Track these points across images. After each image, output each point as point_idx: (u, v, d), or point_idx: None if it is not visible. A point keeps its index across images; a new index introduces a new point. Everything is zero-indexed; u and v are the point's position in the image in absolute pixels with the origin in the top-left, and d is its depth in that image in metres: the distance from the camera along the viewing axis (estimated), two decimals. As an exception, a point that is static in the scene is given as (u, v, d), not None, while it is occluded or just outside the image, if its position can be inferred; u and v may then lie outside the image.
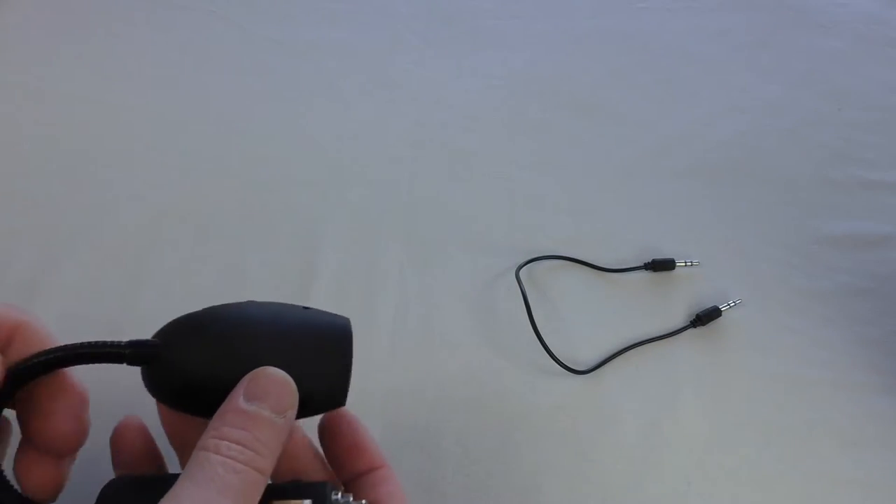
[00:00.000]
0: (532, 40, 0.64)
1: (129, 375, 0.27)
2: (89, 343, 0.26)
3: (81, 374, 0.27)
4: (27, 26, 0.61)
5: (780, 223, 0.52)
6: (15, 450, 0.27)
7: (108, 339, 0.26)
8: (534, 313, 0.44)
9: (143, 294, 0.45)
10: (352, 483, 0.30)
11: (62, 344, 0.26)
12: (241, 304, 0.27)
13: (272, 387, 0.25)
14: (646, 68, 0.62)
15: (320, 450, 0.31)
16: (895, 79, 0.63)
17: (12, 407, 0.26)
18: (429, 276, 0.47)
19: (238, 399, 0.24)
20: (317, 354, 0.26)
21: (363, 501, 0.27)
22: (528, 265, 0.48)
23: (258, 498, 0.23)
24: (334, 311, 0.29)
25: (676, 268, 0.48)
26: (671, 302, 0.47)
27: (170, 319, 0.27)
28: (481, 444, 0.41)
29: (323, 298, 0.45)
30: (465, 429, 0.41)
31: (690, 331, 0.46)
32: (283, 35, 0.62)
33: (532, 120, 0.58)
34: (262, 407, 0.24)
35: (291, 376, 0.25)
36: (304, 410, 0.26)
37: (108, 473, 0.28)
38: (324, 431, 0.31)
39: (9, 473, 0.26)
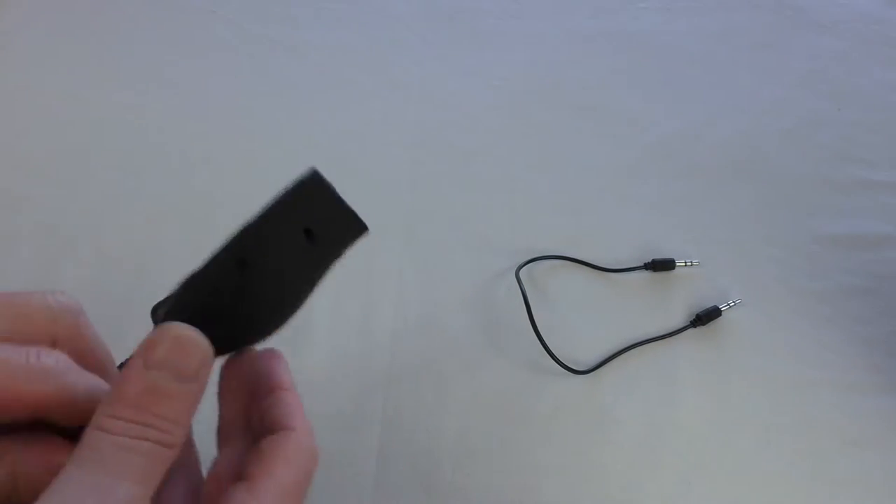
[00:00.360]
0: (532, 40, 0.64)
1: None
2: None
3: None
4: (27, 26, 0.61)
5: (780, 223, 0.52)
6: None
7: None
8: (534, 313, 0.44)
9: (144, 294, 0.44)
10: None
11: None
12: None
13: (174, 350, 0.22)
14: (646, 68, 0.62)
15: None
16: (895, 79, 0.63)
17: None
18: (429, 276, 0.47)
19: (137, 366, 0.21)
20: (308, 213, 0.25)
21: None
22: (529, 265, 0.48)
23: (162, 472, 0.21)
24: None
25: (676, 268, 0.48)
26: (671, 302, 0.47)
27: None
28: (481, 444, 0.41)
29: (323, 299, 0.45)
30: (465, 429, 0.41)
31: (690, 331, 0.46)
32: (283, 35, 0.62)
33: (532, 120, 0.58)
34: (161, 375, 0.21)
35: (307, 241, 0.24)
36: (341, 251, 0.26)
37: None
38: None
39: None
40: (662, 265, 0.48)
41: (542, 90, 0.60)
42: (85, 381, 0.23)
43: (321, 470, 0.41)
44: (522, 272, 0.47)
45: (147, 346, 0.22)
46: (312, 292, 0.25)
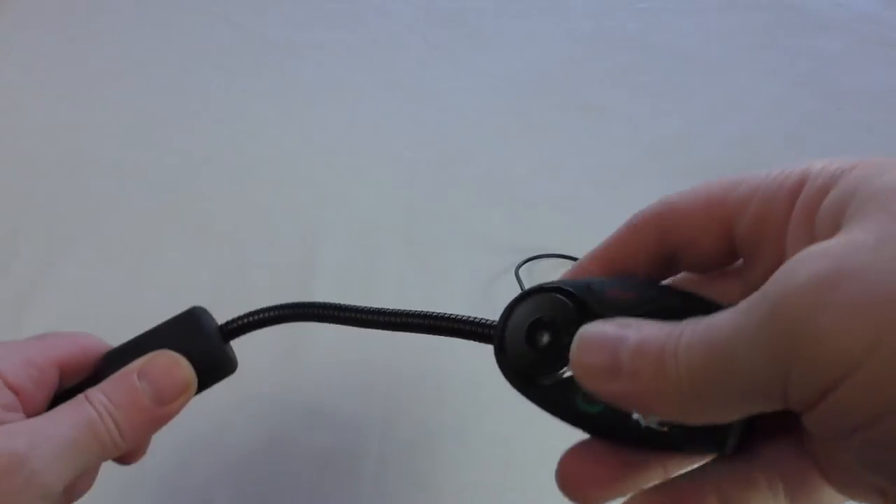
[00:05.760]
0: (532, 40, 0.64)
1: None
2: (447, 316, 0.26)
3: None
4: (28, 26, 0.61)
5: (780, 223, 0.52)
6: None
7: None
8: (534, 313, 0.44)
9: (143, 294, 0.45)
10: None
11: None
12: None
13: (163, 374, 0.25)
14: (646, 68, 0.62)
15: None
16: (895, 79, 0.63)
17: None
18: (429, 275, 0.47)
19: (133, 369, 0.24)
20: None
21: None
22: (529, 264, 0.48)
23: (97, 465, 0.24)
24: None
25: (676, 268, 0.48)
26: (671, 302, 0.47)
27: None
28: (481, 444, 0.41)
29: (322, 298, 0.45)
30: (465, 429, 0.41)
31: (690, 331, 0.46)
32: (283, 35, 0.62)
33: (532, 120, 0.58)
34: (144, 388, 0.24)
35: None
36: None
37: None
38: None
39: None
40: (662, 265, 0.48)
41: (542, 90, 0.60)
42: None
43: (321, 469, 0.41)
44: (522, 271, 0.47)
45: (148, 359, 0.25)
46: None
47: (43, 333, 0.27)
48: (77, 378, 0.26)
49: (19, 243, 0.47)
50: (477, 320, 0.25)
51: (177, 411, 0.25)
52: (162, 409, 0.24)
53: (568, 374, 0.21)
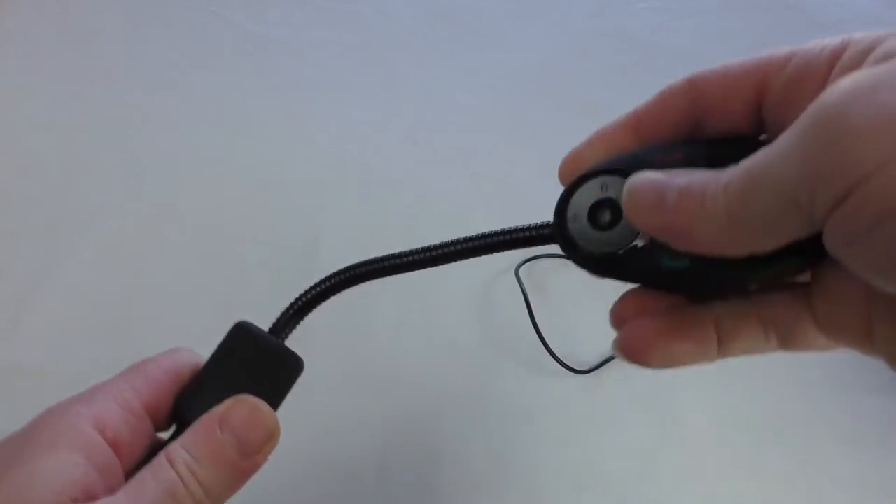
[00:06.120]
0: (532, 40, 0.64)
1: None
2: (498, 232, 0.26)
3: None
4: (28, 27, 0.61)
5: (779, 223, 0.52)
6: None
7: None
8: (534, 312, 0.44)
9: (143, 294, 0.45)
10: None
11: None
12: None
13: (245, 423, 0.23)
14: (646, 68, 0.62)
15: None
16: (895, 79, 0.63)
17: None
18: (428, 275, 0.47)
19: (214, 419, 0.23)
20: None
21: None
22: (528, 264, 0.48)
23: None
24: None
25: (676, 267, 0.48)
26: (671, 302, 0.47)
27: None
28: (481, 444, 0.41)
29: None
30: (465, 429, 0.41)
31: (690, 330, 0.46)
32: (283, 35, 0.62)
33: (532, 120, 0.58)
34: (228, 440, 0.22)
35: None
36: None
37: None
38: None
39: None
40: (662, 265, 0.48)
41: (542, 90, 0.60)
42: None
43: (322, 471, 0.41)
44: (522, 270, 0.47)
45: (228, 407, 0.23)
46: None
47: (136, 365, 0.25)
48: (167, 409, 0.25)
49: (19, 243, 0.47)
50: (531, 225, 0.26)
51: (264, 461, 0.23)
52: (249, 461, 0.23)
53: (641, 243, 0.21)
